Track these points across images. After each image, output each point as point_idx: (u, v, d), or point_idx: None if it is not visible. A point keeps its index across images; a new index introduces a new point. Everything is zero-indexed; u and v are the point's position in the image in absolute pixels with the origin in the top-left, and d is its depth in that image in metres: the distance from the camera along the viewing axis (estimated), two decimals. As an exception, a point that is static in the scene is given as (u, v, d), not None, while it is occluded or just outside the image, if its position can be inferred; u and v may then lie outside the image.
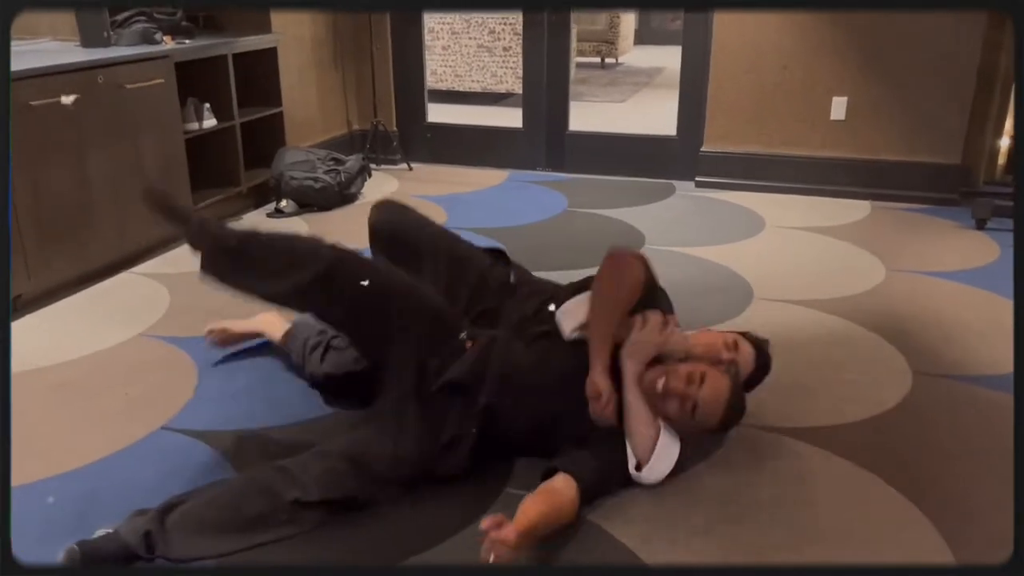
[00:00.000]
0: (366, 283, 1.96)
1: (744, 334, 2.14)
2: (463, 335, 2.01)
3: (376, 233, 2.34)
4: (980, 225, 3.85)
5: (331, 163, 4.15)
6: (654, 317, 1.94)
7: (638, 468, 1.88)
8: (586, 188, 4.57)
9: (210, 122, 3.77)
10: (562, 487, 1.78)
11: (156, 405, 2.31)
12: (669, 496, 1.92)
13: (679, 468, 1.97)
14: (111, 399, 2.35)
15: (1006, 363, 2.56)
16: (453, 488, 1.94)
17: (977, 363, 2.56)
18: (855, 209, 4.16)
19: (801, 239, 3.74)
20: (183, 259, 3.44)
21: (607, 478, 1.89)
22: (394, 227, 2.34)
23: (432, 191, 4.49)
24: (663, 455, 1.88)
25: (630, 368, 1.91)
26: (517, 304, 2.20)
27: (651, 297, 2.02)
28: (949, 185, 4.24)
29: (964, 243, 3.69)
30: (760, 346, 2.13)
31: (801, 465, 2.05)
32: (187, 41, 3.68)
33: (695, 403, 1.86)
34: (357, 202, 4.28)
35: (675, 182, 4.64)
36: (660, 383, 1.87)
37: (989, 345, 2.69)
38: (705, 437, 2.06)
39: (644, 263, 2.00)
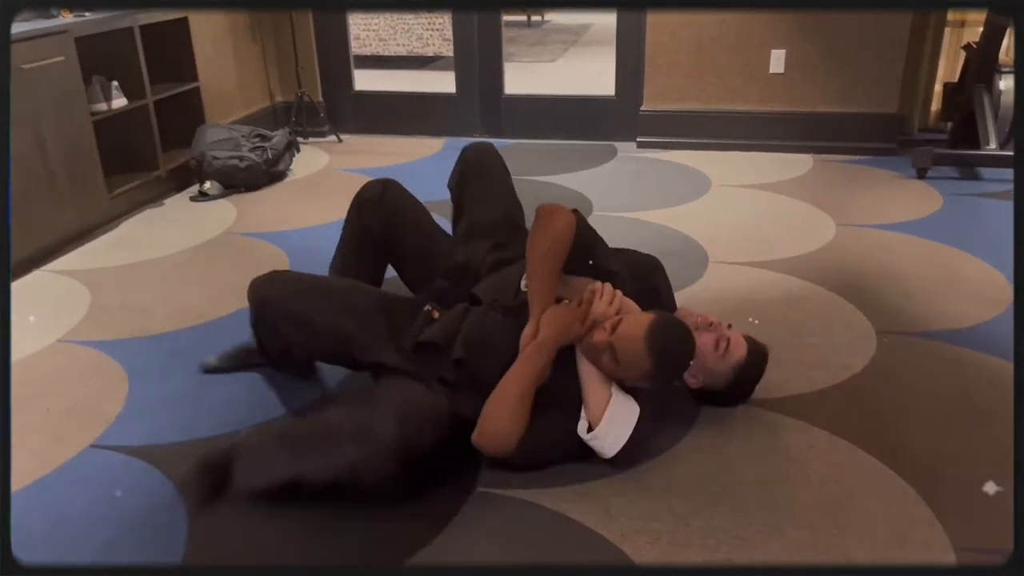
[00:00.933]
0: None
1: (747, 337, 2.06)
2: (427, 307, 2.02)
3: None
4: (921, 174, 3.85)
5: (256, 140, 3.90)
6: (592, 287, 1.91)
7: (589, 430, 1.81)
8: (526, 154, 4.42)
9: (120, 101, 3.48)
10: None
11: (83, 420, 2.10)
12: (649, 482, 1.83)
13: (654, 451, 1.90)
14: (30, 417, 2.13)
15: (966, 317, 2.54)
16: (424, 490, 1.81)
17: (938, 318, 2.54)
18: (798, 163, 4.12)
19: (748, 197, 3.68)
20: (103, 252, 3.20)
21: (547, 435, 1.83)
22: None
23: (365, 163, 4.28)
24: (615, 419, 1.80)
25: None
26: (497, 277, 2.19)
27: (589, 249, 1.98)
28: (887, 135, 4.23)
29: (907, 193, 3.68)
30: (756, 343, 2.04)
31: (777, 438, 1.99)
32: (87, 14, 3.37)
33: (612, 347, 1.79)
34: (287, 179, 4.05)
35: (616, 143, 4.53)
36: (593, 339, 1.83)
37: (946, 298, 2.67)
38: (674, 408, 2.03)
39: (572, 215, 1.95)
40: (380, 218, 2.31)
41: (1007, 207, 3.48)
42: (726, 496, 1.79)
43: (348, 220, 2.40)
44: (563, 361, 1.86)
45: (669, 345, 1.81)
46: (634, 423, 1.82)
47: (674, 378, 1.95)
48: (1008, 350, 2.33)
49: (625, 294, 1.94)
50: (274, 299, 2.04)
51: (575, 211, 1.99)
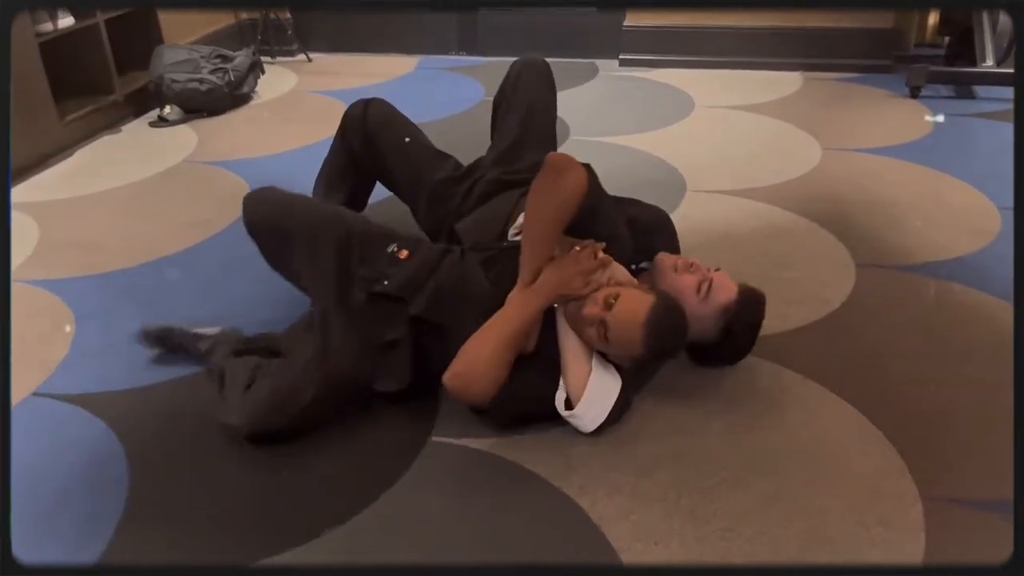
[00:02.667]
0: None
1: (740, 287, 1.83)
2: (393, 247, 1.86)
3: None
4: (914, 93, 3.69)
5: (217, 61, 3.70)
6: (580, 250, 1.73)
7: (569, 406, 1.69)
8: (504, 73, 4.21)
9: (66, 20, 3.27)
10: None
11: (25, 366, 2.01)
12: (612, 430, 1.74)
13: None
14: (-28, 363, 2.05)
15: (952, 248, 2.44)
16: (375, 440, 1.75)
17: (922, 249, 2.44)
18: (786, 82, 3.95)
19: (733, 119, 3.52)
20: (55, 183, 3.06)
21: (523, 392, 1.71)
22: None
23: (335, 85, 4.09)
24: (595, 398, 1.68)
25: (560, 303, 1.74)
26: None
27: (594, 215, 1.77)
28: (881, 51, 4.05)
29: (899, 114, 3.53)
30: (749, 288, 1.83)
31: (749, 382, 1.91)
32: (25, -76, 3.13)
33: (605, 324, 1.65)
34: (251, 103, 3.86)
35: (598, 61, 4.33)
36: (582, 311, 1.69)
37: (932, 227, 2.56)
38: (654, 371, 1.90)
39: (584, 173, 1.72)
40: (361, 139, 2.21)
41: (1001, 128, 3.34)
42: (692, 445, 1.72)
43: (334, 141, 2.31)
44: (546, 321, 1.74)
45: (666, 335, 1.66)
46: (614, 399, 1.69)
47: (673, 355, 1.81)
48: (993, 284, 2.24)
49: (622, 259, 1.79)
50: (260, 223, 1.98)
51: (587, 166, 1.74)
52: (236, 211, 2.75)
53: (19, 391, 1.92)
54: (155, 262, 2.49)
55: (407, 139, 2.24)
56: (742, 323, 1.82)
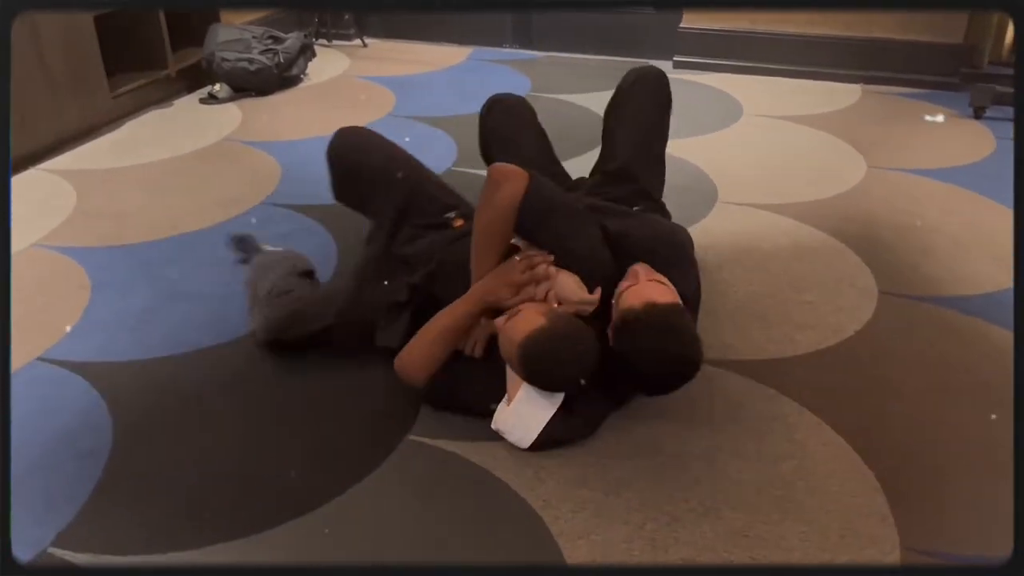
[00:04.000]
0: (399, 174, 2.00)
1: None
2: (451, 214, 1.96)
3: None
4: (978, 114, 3.51)
5: (268, 42, 3.76)
6: (517, 260, 1.72)
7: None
8: (554, 69, 4.18)
9: (123, -4, 3.37)
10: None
11: (36, 331, 2.08)
12: (589, 444, 1.71)
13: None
14: (-11, 323, 2.13)
15: (985, 281, 2.31)
16: (351, 436, 1.76)
17: (952, 281, 2.32)
18: (844, 94, 3.80)
19: (780, 130, 3.41)
20: (100, 153, 3.15)
21: (452, 391, 1.77)
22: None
23: (384, 71, 4.12)
24: (521, 414, 1.64)
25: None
26: None
27: (538, 225, 1.72)
28: (949, 67, 3.86)
29: (957, 135, 3.36)
30: (661, 316, 1.60)
31: (740, 406, 1.84)
32: (90, -100, 3.23)
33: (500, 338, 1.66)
34: (300, 85, 3.91)
35: (652, 62, 4.22)
36: (497, 321, 1.70)
37: (969, 258, 2.43)
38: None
39: (522, 183, 1.68)
40: (482, 137, 2.29)
41: (1067, 157, 3.15)
42: (668, 467, 1.67)
43: None
44: None
45: (541, 362, 1.56)
46: (546, 419, 1.63)
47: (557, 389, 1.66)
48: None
49: (586, 274, 1.70)
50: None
51: (531, 176, 1.70)
52: (264, 192, 2.84)
53: (25, 355, 1.99)
54: (177, 237, 2.55)
55: (520, 146, 2.23)
56: (637, 343, 1.59)
